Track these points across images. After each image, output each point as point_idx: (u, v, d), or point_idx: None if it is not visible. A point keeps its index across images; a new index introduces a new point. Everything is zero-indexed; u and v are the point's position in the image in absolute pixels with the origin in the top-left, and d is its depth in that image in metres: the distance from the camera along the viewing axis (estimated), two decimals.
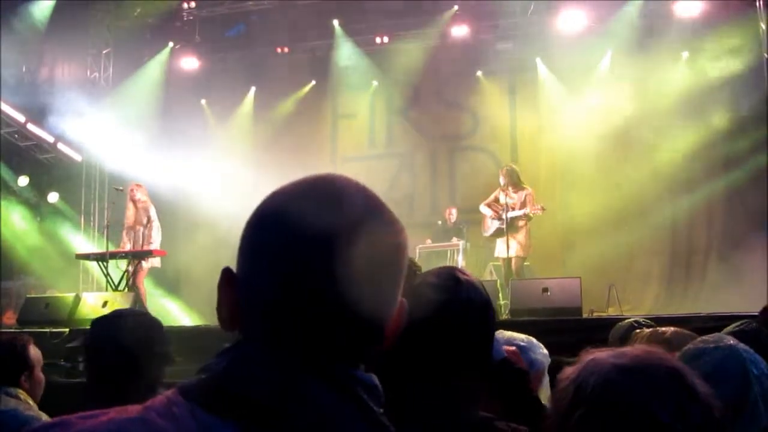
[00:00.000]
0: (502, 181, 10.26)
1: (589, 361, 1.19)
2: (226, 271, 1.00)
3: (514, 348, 2.35)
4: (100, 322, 2.54)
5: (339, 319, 0.93)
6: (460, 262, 10.90)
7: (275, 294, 0.94)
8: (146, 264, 10.08)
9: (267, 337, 0.94)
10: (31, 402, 3.25)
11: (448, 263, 10.67)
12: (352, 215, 0.95)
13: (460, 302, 1.70)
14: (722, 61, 11.53)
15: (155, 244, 10.13)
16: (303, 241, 0.92)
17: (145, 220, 10.26)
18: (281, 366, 0.92)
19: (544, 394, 2.88)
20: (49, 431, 0.91)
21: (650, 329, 3.03)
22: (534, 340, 2.82)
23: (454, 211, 11.80)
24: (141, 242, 10.18)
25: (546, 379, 2.85)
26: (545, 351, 2.84)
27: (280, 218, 0.95)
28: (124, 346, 2.38)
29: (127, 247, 10.26)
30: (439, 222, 11.86)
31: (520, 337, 2.85)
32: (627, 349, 1.21)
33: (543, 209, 9.95)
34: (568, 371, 1.22)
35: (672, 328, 2.94)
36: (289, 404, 0.89)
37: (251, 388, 0.90)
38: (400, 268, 1.00)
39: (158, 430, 0.88)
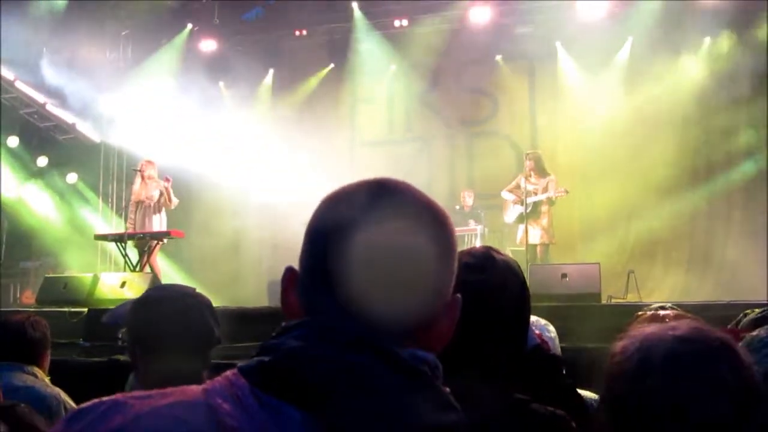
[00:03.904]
0: (527, 165, 10.25)
1: (649, 335, 1.25)
2: (287, 271, 1.02)
3: (539, 332, 2.32)
4: (148, 301, 2.28)
5: (391, 302, 0.93)
6: (479, 246, 10.85)
7: (331, 278, 0.94)
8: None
9: (327, 318, 0.94)
10: (47, 379, 3.28)
11: (465, 248, 10.64)
12: (395, 213, 0.96)
13: (496, 283, 1.68)
14: (745, 47, 11.40)
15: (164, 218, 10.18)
16: (314, 238, 0.96)
17: (156, 196, 10.19)
18: (343, 347, 0.90)
19: None
20: (103, 410, 0.88)
21: (651, 312, 3.01)
22: (542, 321, 2.80)
23: (468, 195, 11.74)
24: (154, 214, 10.15)
25: None
26: (553, 334, 2.83)
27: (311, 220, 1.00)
28: (182, 326, 2.17)
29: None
30: (457, 207, 11.80)
31: (531, 319, 2.82)
32: (678, 323, 1.28)
33: (566, 191, 9.94)
34: (622, 345, 1.27)
35: (673, 312, 2.92)
36: (353, 386, 0.87)
37: (314, 371, 0.88)
38: (441, 257, 0.99)
39: (224, 415, 0.86)
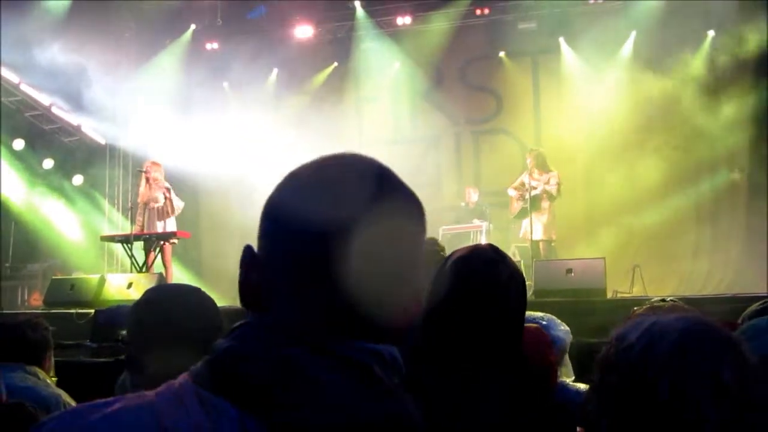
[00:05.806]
0: (528, 163, 10.30)
1: (653, 325, 1.21)
2: (248, 250, 1.01)
3: (536, 325, 2.36)
4: (152, 300, 2.19)
5: (343, 302, 0.92)
6: (484, 243, 10.84)
7: (284, 277, 0.95)
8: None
9: (273, 316, 0.95)
10: (50, 380, 3.28)
11: (470, 244, 10.64)
12: (356, 204, 0.94)
13: (508, 276, 1.79)
14: (749, 39, 11.36)
15: (171, 219, 10.14)
16: (306, 233, 0.93)
17: (161, 199, 10.16)
18: (279, 344, 0.91)
19: (567, 371, 2.88)
20: (55, 423, 0.91)
21: (647, 306, 3.01)
22: (554, 317, 2.82)
23: (472, 192, 11.76)
24: (158, 220, 10.13)
25: (567, 356, 2.85)
26: (566, 328, 2.85)
27: (286, 208, 0.98)
28: (184, 325, 2.08)
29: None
30: (463, 204, 11.82)
31: (539, 315, 2.85)
32: (683, 315, 1.24)
33: (558, 185, 10.00)
34: (620, 333, 1.23)
35: (667, 305, 2.92)
36: (286, 382, 0.88)
37: (247, 368, 0.89)
38: (412, 251, 0.99)
39: (166, 417, 0.88)
